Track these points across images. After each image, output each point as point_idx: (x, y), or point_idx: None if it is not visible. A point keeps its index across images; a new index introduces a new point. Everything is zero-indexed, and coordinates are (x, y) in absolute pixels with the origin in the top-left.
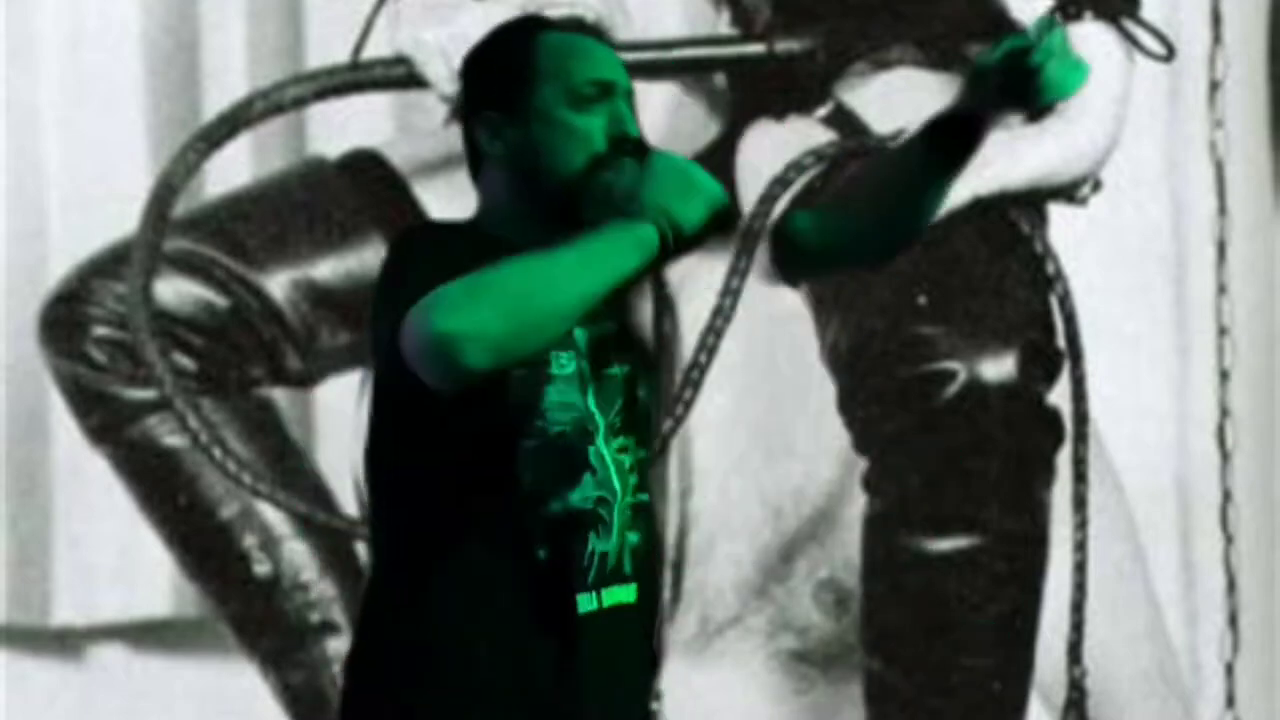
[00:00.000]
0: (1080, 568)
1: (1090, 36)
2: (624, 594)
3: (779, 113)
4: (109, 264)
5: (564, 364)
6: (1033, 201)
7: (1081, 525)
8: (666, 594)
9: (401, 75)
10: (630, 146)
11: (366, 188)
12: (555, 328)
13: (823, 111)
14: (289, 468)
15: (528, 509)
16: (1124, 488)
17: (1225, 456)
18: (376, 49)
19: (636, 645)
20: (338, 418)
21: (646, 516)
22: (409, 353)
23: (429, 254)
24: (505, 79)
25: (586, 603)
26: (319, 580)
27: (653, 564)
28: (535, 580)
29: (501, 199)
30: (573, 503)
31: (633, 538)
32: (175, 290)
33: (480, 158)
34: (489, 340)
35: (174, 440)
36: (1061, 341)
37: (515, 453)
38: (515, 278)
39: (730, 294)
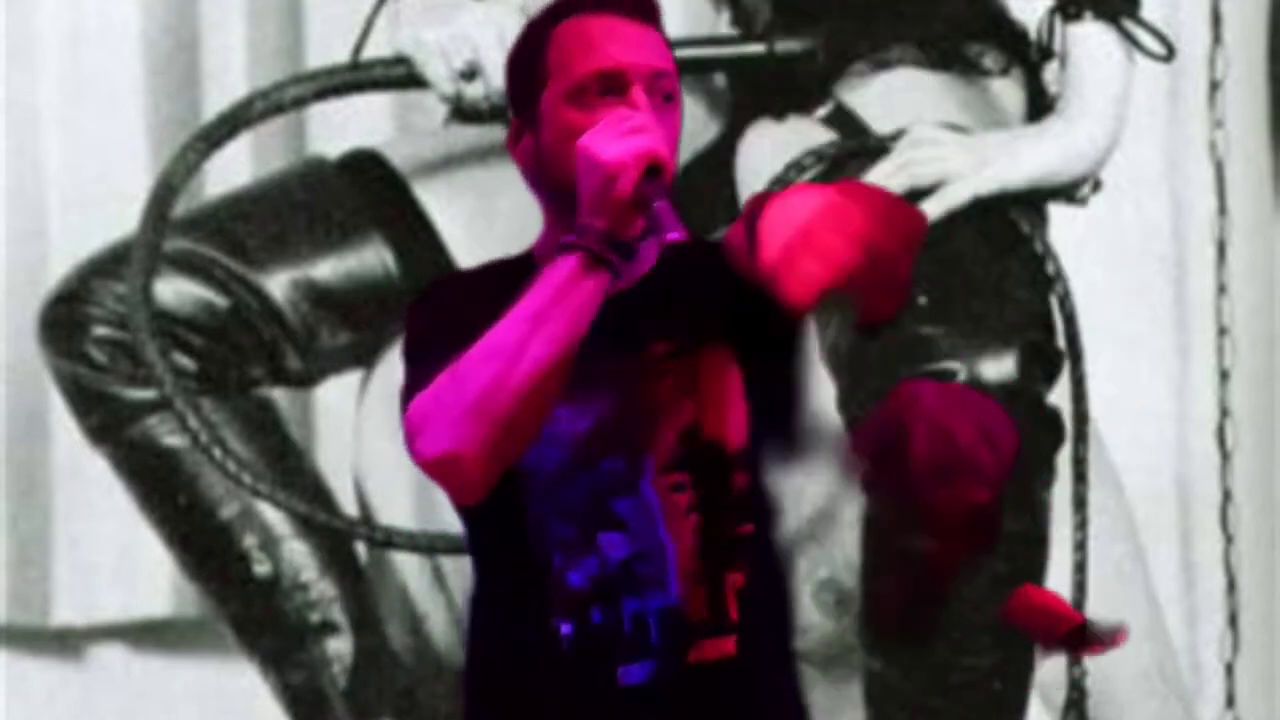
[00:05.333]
0: (1080, 568)
1: (1090, 36)
2: (719, 647)
3: (779, 113)
4: (109, 264)
5: (575, 419)
6: (1033, 201)
7: (1081, 525)
8: None
9: (401, 75)
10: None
11: (366, 188)
12: (542, 404)
13: (823, 111)
14: (289, 468)
15: (546, 582)
16: (1124, 488)
17: (1225, 456)
18: (376, 49)
19: (741, 702)
20: (338, 418)
21: (752, 550)
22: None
23: (433, 337)
24: (520, 80)
25: (641, 673)
26: (319, 580)
27: (765, 603)
28: (564, 659)
29: (545, 220)
30: (593, 569)
31: (736, 579)
32: (175, 290)
33: None
34: (480, 451)
35: (174, 440)
36: (1062, 341)
37: (527, 526)
38: (477, 371)
39: None
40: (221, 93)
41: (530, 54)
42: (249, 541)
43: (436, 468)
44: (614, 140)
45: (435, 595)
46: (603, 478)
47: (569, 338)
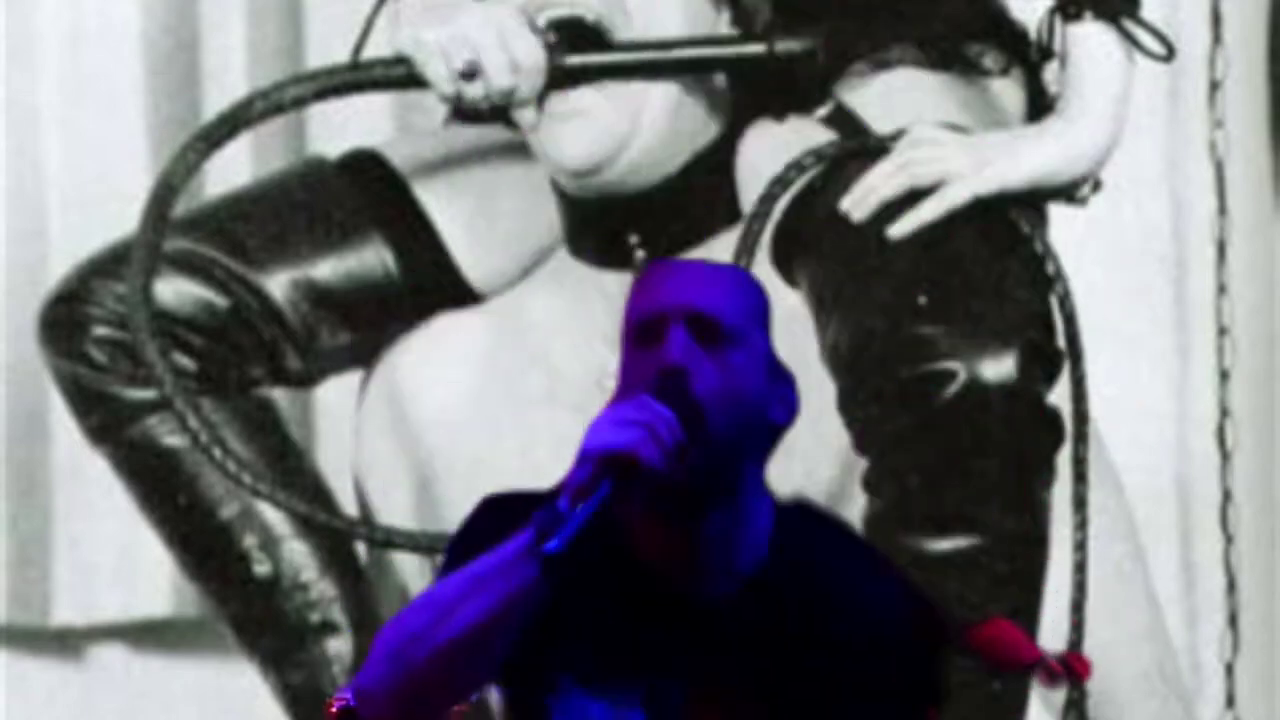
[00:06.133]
0: (1080, 568)
1: (1090, 36)
2: None
3: (779, 113)
4: (109, 264)
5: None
6: (1033, 201)
7: (1081, 525)
8: None
9: (401, 75)
10: None
11: (366, 188)
12: (453, 675)
13: (823, 111)
14: (289, 468)
15: None
16: (1124, 488)
17: (1225, 456)
18: (376, 49)
19: None
20: (338, 418)
21: None
22: None
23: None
24: None
25: None
26: (319, 580)
27: None
28: None
29: None
30: None
31: None
32: (175, 290)
33: None
34: (384, 695)
35: (174, 440)
36: (1062, 341)
37: None
38: (412, 616)
39: None
40: (221, 93)
41: None
42: (249, 541)
43: (356, 699)
44: (605, 427)
45: None
46: None
47: (497, 614)
